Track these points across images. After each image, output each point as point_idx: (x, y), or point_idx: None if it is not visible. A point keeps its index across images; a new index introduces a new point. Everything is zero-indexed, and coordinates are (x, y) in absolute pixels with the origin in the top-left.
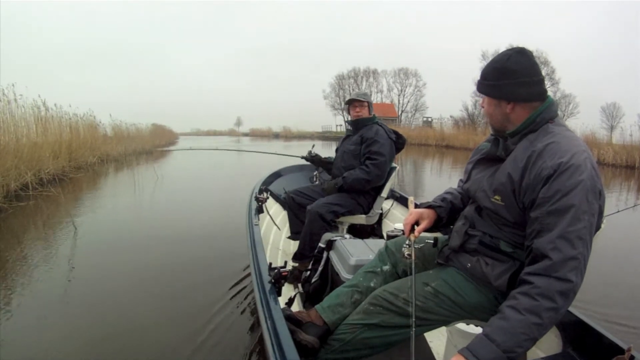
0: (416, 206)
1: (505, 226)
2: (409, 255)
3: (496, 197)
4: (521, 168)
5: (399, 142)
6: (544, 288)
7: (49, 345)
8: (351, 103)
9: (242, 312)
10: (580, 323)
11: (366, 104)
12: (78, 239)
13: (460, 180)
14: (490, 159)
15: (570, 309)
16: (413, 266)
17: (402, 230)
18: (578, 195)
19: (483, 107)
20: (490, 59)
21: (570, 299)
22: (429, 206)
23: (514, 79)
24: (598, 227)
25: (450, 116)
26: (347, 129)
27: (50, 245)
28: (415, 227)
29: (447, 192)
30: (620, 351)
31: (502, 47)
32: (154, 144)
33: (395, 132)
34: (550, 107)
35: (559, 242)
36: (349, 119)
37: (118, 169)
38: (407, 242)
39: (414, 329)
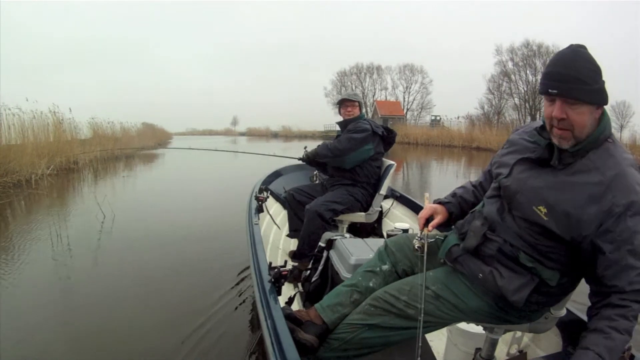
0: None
1: (537, 234)
2: (419, 248)
3: (540, 207)
4: (587, 195)
5: (389, 137)
6: (637, 311)
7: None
8: (342, 103)
9: (242, 312)
10: (580, 322)
11: (357, 104)
12: None
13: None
14: (538, 161)
15: (571, 308)
16: (424, 260)
17: (403, 229)
18: None
19: (562, 117)
20: (557, 56)
21: None
22: (438, 203)
23: (602, 81)
24: None
25: (483, 113)
26: (337, 130)
27: None
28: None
29: (459, 187)
30: None
31: (506, 43)
32: (136, 146)
33: (385, 127)
34: (609, 123)
35: None
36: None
37: (73, 184)
38: (418, 235)
39: (421, 327)
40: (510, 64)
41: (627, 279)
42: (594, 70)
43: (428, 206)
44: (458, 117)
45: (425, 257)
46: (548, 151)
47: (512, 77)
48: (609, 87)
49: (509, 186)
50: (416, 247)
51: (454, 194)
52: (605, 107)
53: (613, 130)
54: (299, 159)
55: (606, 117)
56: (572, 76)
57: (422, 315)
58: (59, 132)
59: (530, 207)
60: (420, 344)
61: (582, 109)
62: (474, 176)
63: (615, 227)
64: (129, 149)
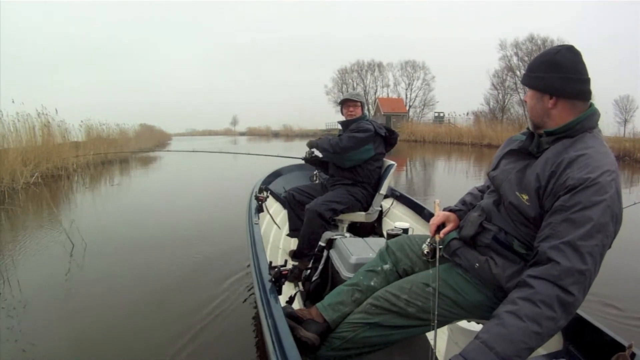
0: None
1: (523, 225)
2: (428, 253)
3: (523, 195)
4: (549, 172)
5: (391, 138)
6: (545, 295)
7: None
8: (344, 103)
9: (242, 311)
10: (581, 320)
11: (359, 104)
12: None
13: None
14: (522, 152)
15: None
16: (437, 265)
17: (403, 229)
18: (597, 212)
19: (526, 101)
20: (540, 53)
21: (569, 313)
22: (449, 210)
23: (559, 73)
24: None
25: (489, 109)
26: (339, 130)
27: None
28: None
29: (467, 194)
30: (622, 348)
31: (510, 38)
32: (131, 148)
33: (387, 128)
34: (592, 117)
35: (568, 250)
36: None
37: (57, 196)
38: (428, 241)
39: (436, 329)
40: (514, 59)
41: (551, 243)
42: (544, 62)
43: (440, 213)
44: (467, 113)
45: (438, 263)
46: (529, 140)
47: (517, 72)
48: (606, 81)
49: (496, 177)
50: (425, 252)
51: (463, 202)
52: (593, 104)
53: (615, 124)
54: (302, 158)
55: (589, 112)
56: (528, 66)
57: (436, 317)
58: (46, 135)
59: (514, 193)
60: (435, 343)
61: (529, 93)
62: (484, 177)
63: (565, 197)
64: (123, 152)
